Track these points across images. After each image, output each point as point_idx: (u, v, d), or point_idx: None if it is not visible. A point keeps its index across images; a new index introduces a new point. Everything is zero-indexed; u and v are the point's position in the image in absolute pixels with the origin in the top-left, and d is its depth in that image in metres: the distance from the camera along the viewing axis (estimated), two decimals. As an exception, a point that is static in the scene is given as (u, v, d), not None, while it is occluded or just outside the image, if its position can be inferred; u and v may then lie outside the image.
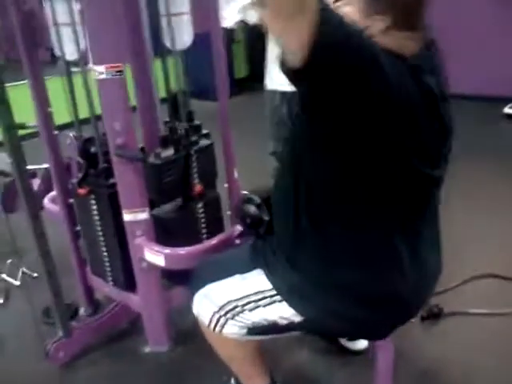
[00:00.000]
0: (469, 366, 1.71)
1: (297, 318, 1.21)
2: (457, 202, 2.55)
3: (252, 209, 1.31)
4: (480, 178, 3.23)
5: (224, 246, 1.62)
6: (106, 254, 1.76)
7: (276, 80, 2.47)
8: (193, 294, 1.38)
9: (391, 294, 1.16)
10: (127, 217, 1.60)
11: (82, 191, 1.68)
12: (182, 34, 1.66)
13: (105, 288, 1.87)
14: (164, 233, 1.69)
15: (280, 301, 1.21)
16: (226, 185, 1.93)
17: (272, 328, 1.28)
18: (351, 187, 1.07)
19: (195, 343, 1.85)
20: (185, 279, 1.81)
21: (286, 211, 1.18)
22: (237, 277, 1.30)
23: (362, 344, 1.76)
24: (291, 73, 0.88)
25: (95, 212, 1.72)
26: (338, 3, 1.07)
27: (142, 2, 1.65)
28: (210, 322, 1.32)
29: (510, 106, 4.40)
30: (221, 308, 1.30)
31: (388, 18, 0.98)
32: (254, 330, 1.30)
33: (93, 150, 1.70)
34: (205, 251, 1.58)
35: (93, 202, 1.70)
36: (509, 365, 1.71)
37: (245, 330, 1.30)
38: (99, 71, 1.44)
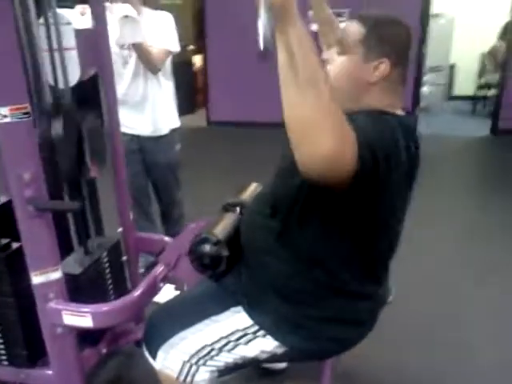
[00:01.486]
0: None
1: (280, 350, 1.23)
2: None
3: (208, 248, 1.29)
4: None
5: (151, 292, 1.53)
6: (-2, 329, 1.48)
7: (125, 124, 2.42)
8: (152, 351, 1.29)
9: (373, 313, 1.29)
10: (38, 279, 1.37)
11: (-35, 259, 1.39)
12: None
13: (-8, 371, 1.55)
14: (74, 290, 1.50)
15: (264, 335, 1.22)
16: (120, 229, 1.82)
17: (247, 364, 1.28)
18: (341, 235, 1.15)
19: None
20: (95, 337, 1.65)
21: (286, 251, 1.19)
22: (208, 320, 1.26)
23: (284, 363, 1.84)
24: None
25: (-18, 281, 1.43)
26: (326, 55, 1.16)
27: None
28: (180, 373, 1.25)
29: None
30: (192, 356, 1.24)
31: (389, 59, 1.10)
32: (225, 370, 1.28)
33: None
34: (135, 303, 1.46)
35: (-21, 269, 1.42)
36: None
37: (216, 374, 1.27)
38: (2, 114, 1.24)
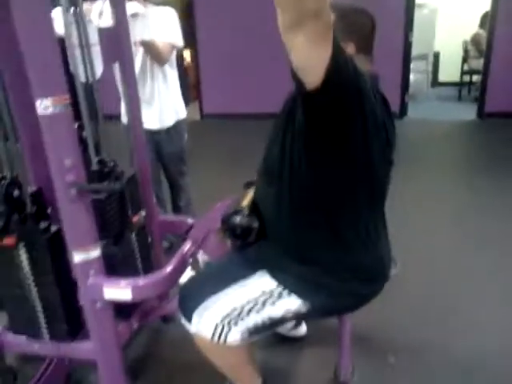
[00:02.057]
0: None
1: (303, 308, 1.37)
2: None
3: (239, 219, 1.42)
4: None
5: (181, 267, 1.65)
6: (40, 306, 1.59)
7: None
8: (188, 315, 1.42)
9: (383, 270, 1.42)
10: (79, 257, 1.49)
11: (9, 241, 1.50)
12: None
13: (31, 347, 1.66)
14: (109, 268, 1.62)
15: (289, 294, 1.35)
16: (143, 212, 1.93)
17: (274, 324, 1.41)
18: (343, 175, 1.28)
19: (147, 378, 1.82)
20: (128, 311, 1.78)
21: (287, 210, 1.33)
22: (236, 285, 1.39)
23: (302, 330, 1.98)
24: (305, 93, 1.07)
25: (25, 262, 1.54)
26: None
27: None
28: (214, 334, 1.38)
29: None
30: (224, 317, 1.37)
31: (354, 44, 1.27)
32: (255, 331, 1.41)
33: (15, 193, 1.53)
34: (168, 277, 1.58)
35: (22, 251, 1.53)
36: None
37: (247, 334, 1.40)
38: (46, 105, 1.34)
